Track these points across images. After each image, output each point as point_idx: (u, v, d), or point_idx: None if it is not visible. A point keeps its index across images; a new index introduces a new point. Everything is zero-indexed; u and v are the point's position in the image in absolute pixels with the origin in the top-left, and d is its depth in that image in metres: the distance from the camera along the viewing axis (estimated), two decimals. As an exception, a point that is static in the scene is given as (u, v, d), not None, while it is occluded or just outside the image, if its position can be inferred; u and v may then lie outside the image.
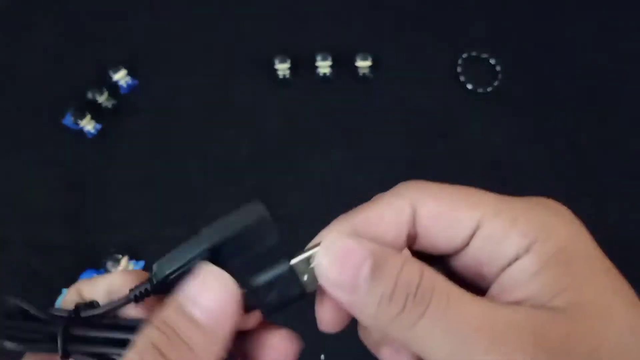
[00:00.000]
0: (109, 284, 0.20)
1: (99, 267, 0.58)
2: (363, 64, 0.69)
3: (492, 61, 0.72)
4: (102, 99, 0.67)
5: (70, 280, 0.57)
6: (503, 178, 0.65)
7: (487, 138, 0.67)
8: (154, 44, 0.73)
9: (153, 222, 0.61)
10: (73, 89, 0.68)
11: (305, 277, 0.18)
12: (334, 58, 0.70)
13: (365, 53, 0.70)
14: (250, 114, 0.68)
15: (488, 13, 0.77)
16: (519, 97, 0.70)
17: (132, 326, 0.19)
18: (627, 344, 0.16)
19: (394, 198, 0.20)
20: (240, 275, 0.18)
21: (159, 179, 0.64)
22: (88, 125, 0.65)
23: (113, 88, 0.69)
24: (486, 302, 0.17)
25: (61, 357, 0.19)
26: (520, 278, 0.18)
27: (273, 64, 0.69)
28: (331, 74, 0.70)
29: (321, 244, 0.18)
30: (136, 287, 0.19)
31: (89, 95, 0.67)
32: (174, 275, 0.18)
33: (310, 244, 0.19)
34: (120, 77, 0.69)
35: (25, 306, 0.20)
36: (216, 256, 0.18)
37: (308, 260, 0.18)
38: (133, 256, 0.59)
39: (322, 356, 0.53)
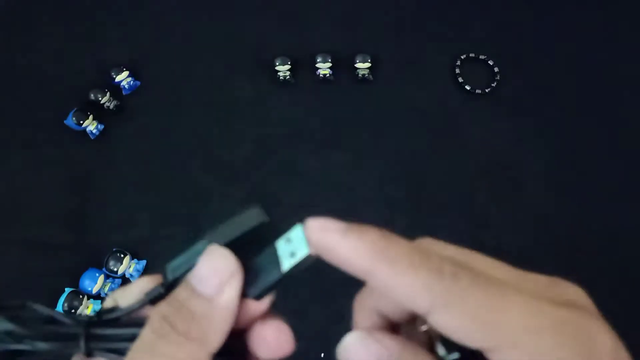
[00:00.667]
0: (140, 288, 0.21)
1: (101, 266, 0.58)
2: (362, 65, 0.70)
3: (491, 62, 0.72)
4: (105, 99, 0.68)
5: (73, 279, 0.57)
6: (501, 178, 0.65)
7: (486, 138, 0.68)
8: (156, 45, 0.74)
9: (155, 221, 0.62)
10: (75, 90, 0.69)
11: (289, 256, 0.19)
12: (333, 59, 0.70)
13: (364, 54, 0.70)
14: (251, 115, 0.69)
15: (486, 15, 0.77)
16: (517, 98, 0.71)
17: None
18: None
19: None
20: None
21: (160, 179, 0.65)
22: (90, 125, 0.66)
23: (115, 89, 0.69)
24: None
25: (84, 355, 0.20)
26: None
27: (274, 65, 0.70)
28: (331, 75, 0.70)
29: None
30: (151, 290, 0.21)
31: (92, 96, 0.68)
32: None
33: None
34: (123, 78, 0.69)
35: (51, 312, 0.21)
36: None
37: (289, 238, 0.20)
38: (135, 255, 0.59)
39: (322, 355, 0.54)
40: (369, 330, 0.20)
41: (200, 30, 0.75)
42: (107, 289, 0.57)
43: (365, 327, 0.21)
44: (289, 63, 0.70)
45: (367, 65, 0.70)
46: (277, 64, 0.70)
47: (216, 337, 0.18)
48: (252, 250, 0.20)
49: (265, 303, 0.20)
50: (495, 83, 0.71)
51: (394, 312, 0.21)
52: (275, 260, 0.19)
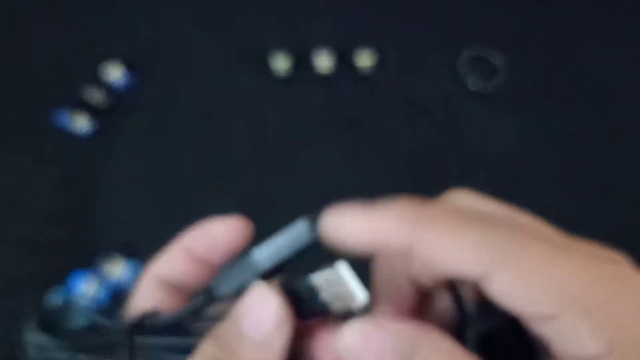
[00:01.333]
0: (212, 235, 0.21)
1: (96, 266, 0.57)
2: (363, 61, 0.69)
3: (495, 59, 0.72)
4: (98, 98, 0.67)
5: (66, 279, 0.56)
6: (504, 176, 0.65)
7: (488, 136, 0.67)
8: (151, 42, 0.73)
9: (150, 221, 0.61)
10: (68, 87, 0.68)
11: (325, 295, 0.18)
12: (334, 55, 0.70)
13: (365, 50, 0.70)
14: (250, 112, 0.68)
15: (490, 11, 0.77)
16: (520, 96, 0.70)
17: (194, 333, 0.20)
18: None
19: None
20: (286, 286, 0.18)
21: (155, 178, 0.64)
22: (84, 124, 0.65)
23: (109, 87, 0.68)
24: None
25: None
26: None
27: (273, 61, 0.69)
28: (331, 71, 0.70)
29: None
30: (193, 301, 0.20)
31: (85, 94, 0.67)
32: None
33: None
34: (117, 76, 0.69)
35: (92, 315, 0.20)
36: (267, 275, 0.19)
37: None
38: (129, 255, 0.58)
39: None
40: (376, 318, 0.18)
41: (196, 25, 0.74)
42: (101, 289, 0.57)
43: (385, 307, 0.19)
44: (289, 59, 0.69)
45: (369, 60, 0.70)
46: (276, 59, 0.69)
47: None
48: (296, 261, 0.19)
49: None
50: (499, 80, 0.70)
51: (426, 277, 0.19)
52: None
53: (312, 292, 0.17)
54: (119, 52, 0.71)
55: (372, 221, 0.17)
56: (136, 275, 0.58)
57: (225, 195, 0.63)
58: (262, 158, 0.65)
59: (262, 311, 0.17)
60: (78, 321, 0.20)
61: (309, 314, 0.18)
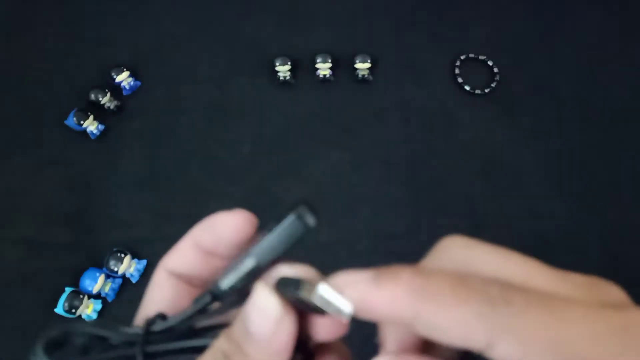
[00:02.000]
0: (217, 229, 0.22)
1: (102, 266, 0.58)
2: (362, 65, 0.70)
3: (490, 62, 0.72)
4: (105, 100, 0.68)
5: (73, 279, 0.58)
6: (501, 178, 0.65)
7: (486, 139, 0.68)
8: (157, 45, 0.74)
9: (155, 221, 0.62)
10: (76, 90, 0.69)
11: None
12: (333, 60, 0.70)
13: (364, 55, 0.70)
14: (251, 115, 0.69)
15: (486, 15, 0.77)
16: (516, 98, 0.71)
17: (202, 332, 0.21)
18: None
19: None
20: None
21: (161, 179, 0.65)
22: (91, 126, 0.66)
23: (116, 89, 0.69)
24: None
25: None
26: None
27: (274, 65, 0.70)
28: (331, 75, 0.70)
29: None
30: (198, 300, 0.21)
31: (92, 96, 0.68)
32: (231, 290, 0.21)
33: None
34: (123, 78, 0.69)
35: (98, 331, 0.20)
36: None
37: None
38: (135, 255, 0.59)
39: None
40: (396, 354, 0.19)
41: (200, 30, 0.75)
42: (107, 288, 0.57)
43: (394, 347, 0.20)
44: (289, 63, 0.70)
45: (367, 65, 0.70)
46: (277, 64, 0.70)
47: None
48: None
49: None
50: (494, 83, 0.71)
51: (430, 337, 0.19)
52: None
53: (306, 303, 0.18)
54: (126, 56, 0.72)
55: (379, 295, 0.17)
56: (141, 274, 0.59)
57: (227, 196, 0.63)
58: (263, 160, 0.66)
59: (265, 312, 0.19)
60: (84, 341, 0.20)
61: (307, 310, 0.19)
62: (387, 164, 0.66)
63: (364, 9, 0.77)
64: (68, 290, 0.56)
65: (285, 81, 0.70)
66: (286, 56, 0.70)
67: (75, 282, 0.58)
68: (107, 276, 0.58)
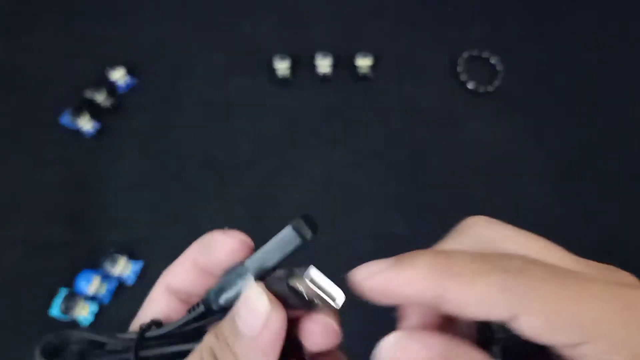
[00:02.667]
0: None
1: (98, 266, 0.57)
2: (363, 63, 0.69)
3: (492, 60, 0.72)
4: (101, 98, 0.67)
5: (70, 279, 0.57)
6: (502, 176, 0.65)
7: (487, 137, 0.68)
8: (153, 43, 0.73)
9: (152, 221, 0.61)
10: (72, 88, 0.68)
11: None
12: (334, 57, 0.70)
13: (365, 52, 0.70)
14: (250, 113, 0.68)
15: (488, 13, 0.77)
16: (518, 97, 0.70)
17: (194, 337, 0.21)
18: None
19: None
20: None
21: (157, 179, 0.64)
22: (87, 124, 0.65)
23: (112, 87, 0.69)
24: None
25: None
26: None
27: (273, 63, 0.69)
28: (331, 73, 0.70)
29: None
30: (193, 309, 0.21)
31: (88, 94, 0.67)
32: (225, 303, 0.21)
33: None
34: (119, 76, 0.69)
35: (94, 337, 0.21)
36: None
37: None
38: (132, 255, 0.59)
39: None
40: (410, 330, 0.19)
41: (198, 27, 0.74)
42: (103, 290, 0.57)
43: (413, 322, 0.20)
44: (289, 61, 0.69)
45: (368, 63, 0.69)
46: (276, 62, 0.69)
47: None
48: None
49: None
50: (496, 82, 0.70)
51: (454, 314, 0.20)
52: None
53: (297, 293, 0.18)
54: (122, 54, 0.71)
55: (401, 278, 0.17)
56: (138, 274, 0.58)
57: (226, 195, 0.63)
58: (262, 159, 0.65)
59: (253, 311, 0.19)
60: (80, 347, 0.21)
61: (297, 308, 0.19)
62: (387, 163, 0.65)
63: (365, 6, 0.77)
64: (63, 291, 0.56)
65: (284, 79, 0.69)
66: (285, 54, 0.69)
67: (71, 283, 0.57)
68: (103, 277, 0.57)
